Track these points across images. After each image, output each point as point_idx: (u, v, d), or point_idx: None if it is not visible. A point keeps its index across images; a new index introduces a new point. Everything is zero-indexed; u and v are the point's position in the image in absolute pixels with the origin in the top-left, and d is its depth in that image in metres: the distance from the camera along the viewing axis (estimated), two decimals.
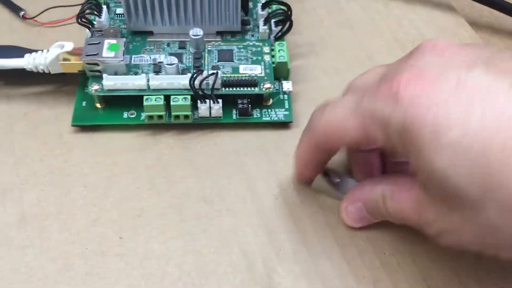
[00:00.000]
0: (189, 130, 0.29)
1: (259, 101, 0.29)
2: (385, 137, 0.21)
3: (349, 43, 0.34)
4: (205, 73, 0.27)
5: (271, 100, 0.29)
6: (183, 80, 0.28)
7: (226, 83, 0.28)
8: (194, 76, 0.27)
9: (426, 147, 0.19)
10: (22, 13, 0.33)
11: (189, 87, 0.27)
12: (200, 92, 0.27)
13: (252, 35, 0.31)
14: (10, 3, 0.34)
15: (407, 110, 0.19)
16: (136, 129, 0.29)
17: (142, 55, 0.29)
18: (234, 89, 0.28)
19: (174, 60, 0.28)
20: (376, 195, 0.24)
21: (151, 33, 0.30)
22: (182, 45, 0.30)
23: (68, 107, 0.29)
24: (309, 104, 0.30)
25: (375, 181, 0.25)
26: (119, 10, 0.31)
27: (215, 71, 0.27)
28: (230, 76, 0.28)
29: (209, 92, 0.27)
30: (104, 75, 0.27)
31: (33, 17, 0.33)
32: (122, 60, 0.27)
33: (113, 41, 0.28)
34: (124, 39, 0.28)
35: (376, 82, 0.21)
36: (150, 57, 0.29)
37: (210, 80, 0.27)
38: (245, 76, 0.29)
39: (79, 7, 0.32)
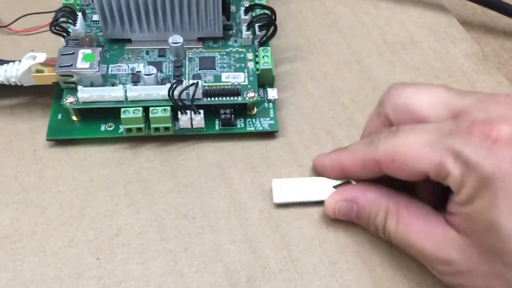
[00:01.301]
0: (170, 142, 0.28)
1: (243, 110, 0.28)
2: (461, 177, 0.20)
3: (337, 46, 0.32)
4: (184, 83, 0.26)
5: (255, 109, 0.28)
6: (162, 91, 0.26)
7: (207, 93, 0.27)
8: (173, 86, 0.26)
9: (504, 204, 0.19)
10: None
11: (166, 97, 0.26)
12: (180, 103, 0.26)
13: (235, 41, 0.30)
14: None
15: (501, 165, 0.19)
16: (114, 142, 0.28)
17: (120, 64, 0.28)
18: (216, 98, 0.27)
19: (153, 70, 0.27)
20: (378, 208, 0.23)
21: (129, 40, 0.29)
22: (161, 53, 0.29)
23: (43, 120, 0.28)
24: (295, 111, 0.29)
25: (382, 191, 0.24)
26: (96, 17, 0.30)
27: (195, 81, 0.26)
28: (212, 85, 0.27)
29: (190, 103, 0.26)
30: (79, 87, 0.26)
31: (7, 25, 0.32)
32: (97, 71, 0.26)
33: (88, 51, 0.27)
34: (100, 49, 0.27)
35: (463, 121, 0.21)
36: (128, 66, 0.28)
37: (191, 90, 0.26)
38: (228, 85, 0.27)
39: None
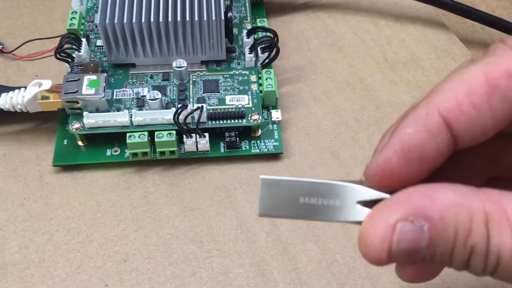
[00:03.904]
0: (176, 166, 0.28)
1: (247, 132, 0.28)
2: None
3: (339, 65, 0.33)
4: (189, 108, 0.26)
5: (260, 131, 0.28)
6: (167, 115, 0.26)
7: (212, 116, 0.27)
8: (178, 111, 0.26)
9: None
10: (0, 47, 0.32)
11: (173, 122, 0.26)
12: (185, 127, 0.26)
13: (238, 63, 0.30)
14: None
15: None
16: (120, 166, 0.28)
17: (125, 89, 0.28)
18: (221, 122, 0.27)
19: (157, 94, 0.27)
20: (469, 216, 0.14)
21: (133, 65, 0.29)
22: (165, 77, 0.29)
23: (49, 145, 0.28)
24: (299, 132, 0.30)
25: (461, 189, 0.14)
26: (100, 42, 0.30)
27: (200, 105, 0.26)
28: (216, 109, 0.27)
29: (195, 127, 0.26)
30: (85, 113, 0.26)
31: (11, 51, 0.32)
32: (103, 97, 0.26)
33: (93, 77, 0.27)
34: (105, 74, 0.27)
35: None
36: (133, 91, 0.28)
37: (196, 114, 0.26)
38: (232, 108, 0.28)
39: (58, 39, 0.31)
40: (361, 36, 0.34)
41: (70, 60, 0.29)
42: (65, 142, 0.28)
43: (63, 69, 0.31)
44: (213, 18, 0.27)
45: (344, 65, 0.33)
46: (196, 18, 0.27)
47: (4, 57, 0.32)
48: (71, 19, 0.31)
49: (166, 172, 0.28)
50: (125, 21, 0.27)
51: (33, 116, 0.28)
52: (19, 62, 0.32)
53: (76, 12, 0.31)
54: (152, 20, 0.27)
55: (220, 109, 0.27)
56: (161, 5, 0.28)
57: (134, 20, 0.27)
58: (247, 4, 0.33)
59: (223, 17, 0.27)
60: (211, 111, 0.27)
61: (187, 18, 0.27)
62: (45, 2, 0.35)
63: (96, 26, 0.31)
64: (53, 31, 0.33)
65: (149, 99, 0.27)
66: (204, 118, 0.27)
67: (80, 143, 0.28)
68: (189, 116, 0.26)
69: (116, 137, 0.27)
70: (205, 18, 0.27)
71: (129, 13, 0.28)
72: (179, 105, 0.26)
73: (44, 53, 0.32)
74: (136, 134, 0.26)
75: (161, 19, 0.27)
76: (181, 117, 0.26)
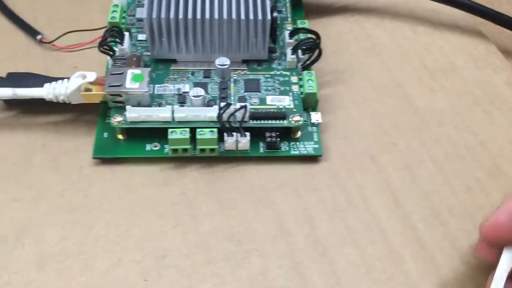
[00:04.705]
0: (214, 163, 0.28)
1: (286, 133, 0.28)
2: None
3: (377, 70, 0.33)
4: (233, 107, 0.26)
5: (299, 133, 0.28)
6: (210, 113, 0.26)
7: (253, 116, 0.27)
8: (222, 109, 0.26)
9: None
10: (39, 37, 0.32)
11: (215, 120, 0.26)
12: (228, 126, 0.26)
13: (279, 64, 0.30)
14: (27, 26, 0.33)
15: None
16: (159, 161, 0.28)
17: (166, 84, 0.28)
18: (262, 121, 0.27)
19: (201, 91, 0.27)
20: None
21: (174, 61, 0.29)
22: (207, 74, 0.29)
23: (87, 138, 0.28)
24: (338, 136, 0.29)
25: None
26: (141, 37, 0.30)
27: (243, 104, 0.26)
28: (258, 108, 0.27)
29: (237, 125, 0.26)
30: (128, 107, 0.26)
31: (51, 41, 0.32)
32: (147, 92, 0.26)
33: (137, 71, 0.27)
34: (149, 69, 0.27)
35: None
36: (174, 87, 0.28)
37: (239, 113, 0.26)
38: (273, 108, 0.27)
39: (97, 32, 0.31)
40: (399, 41, 0.34)
41: (111, 53, 0.29)
42: (105, 135, 0.28)
43: (102, 61, 0.31)
44: (260, 17, 0.27)
45: (382, 70, 0.33)
46: (243, 17, 0.27)
47: (43, 47, 0.32)
48: (112, 12, 0.31)
49: (204, 169, 0.28)
50: (171, 16, 0.27)
51: (73, 108, 0.28)
52: (58, 53, 0.32)
53: (117, 5, 0.31)
54: (198, 16, 0.27)
55: (262, 109, 0.27)
56: (207, 2, 0.28)
57: (181, 16, 0.27)
58: (288, 5, 0.33)
59: (269, 17, 0.27)
60: (252, 110, 0.27)
61: (233, 16, 0.27)
62: None
63: (138, 20, 0.31)
64: (91, 23, 0.33)
65: (192, 96, 0.27)
66: (246, 117, 0.27)
67: (120, 136, 0.28)
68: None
69: (156, 132, 0.27)
70: (251, 17, 0.27)
71: (176, 9, 0.28)
72: (223, 104, 0.26)
73: (84, 45, 0.32)
74: (178, 130, 0.26)
75: (207, 16, 0.27)
76: (225, 115, 0.26)
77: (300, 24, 0.31)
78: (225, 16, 0.27)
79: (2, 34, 0.33)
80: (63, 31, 0.32)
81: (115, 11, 0.31)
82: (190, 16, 0.27)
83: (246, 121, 0.27)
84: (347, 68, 0.33)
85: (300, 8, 0.34)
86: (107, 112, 0.28)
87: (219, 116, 0.26)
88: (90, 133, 0.28)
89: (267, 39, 0.28)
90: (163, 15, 0.27)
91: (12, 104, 0.29)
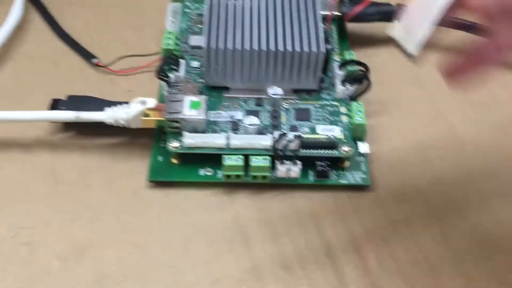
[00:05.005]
0: (265, 190, 0.29)
1: (334, 162, 0.29)
2: None
3: (422, 101, 0.33)
4: (288, 136, 0.27)
5: (347, 162, 0.29)
6: (264, 141, 0.27)
7: (305, 145, 0.28)
8: (278, 139, 0.26)
9: None
10: (95, 60, 0.33)
11: (268, 148, 0.27)
12: (282, 154, 0.27)
13: (328, 94, 0.31)
14: (83, 50, 0.34)
15: None
16: (211, 186, 0.28)
17: (219, 111, 0.29)
18: (313, 150, 0.28)
19: (256, 120, 0.28)
20: None
21: (227, 88, 0.30)
22: (259, 102, 0.30)
23: (142, 160, 0.29)
24: (384, 166, 0.30)
25: None
26: (194, 64, 0.32)
27: (298, 135, 0.27)
28: (309, 138, 0.28)
29: (290, 154, 0.27)
30: (185, 133, 0.27)
31: (106, 65, 0.33)
32: (204, 119, 0.27)
33: (195, 99, 0.28)
34: (205, 97, 0.28)
35: None
36: (227, 114, 0.29)
37: (293, 142, 0.27)
38: (324, 138, 0.28)
39: (150, 57, 0.33)
40: None
41: (167, 79, 0.30)
42: (160, 158, 0.29)
43: (154, 85, 0.32)
44: (314, 50, 0.28)
45: (427, 101, 0.33)
46: (298, 49, 0.28)
47: (98, 71, 0.34)
48: (167, 39, 0.32)
49: (255, 195, 0.28)
50: (229, 46, 0.28)
51: (127, 131, 0.29)
52: (113, 76, 0.33)
53: (171, 33, 0.32)
54: (254, 47, 0.28)
55: (313, 138, 0.28)
56: (263, 34, 0.29)
57: (238, 47, 0.28)
58: (335, 36, 0.34)
59: (324, 50, 0.28)
60: (304, 140, 0.28)
61: (289, 48, 0.28)
62: (138, 20, 0.37)
63: (192, 47, 0.32)
64: (145, 48, 0.34)
65: (247, 124, 0.27)
66: (299, 147, 0.27)
67: (174, 161, 0.29)
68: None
69: (209, 158, 0.28)
70: (305, 49, 0.28)
71: (233, 39, 0.29)
72: (278, 133, 0.27)
73: (137, 69, 0.33)
74: (233, 157, 0.27)
75: (263, 47, 0.28)
76: (280, 144, 0.27)
77: (347, 55, 0.32)
78: (280, 47, 0.28)
79: (60, 57, 0.35)
80: (118, 56, 0.34)
81: (169, 38, 0.32)
82: (247, 47, 0.28)
83: (297, 150, 0.27)
84: (391, 98, 0.33)
85: (345, 39, 0.35)
86: (161, 136, 0.29)
87: (274, 144, 0.26)
88: (144, 156, 0.29)
89: (320, 71, 0.29)
90: (221, 45, 0.28)
91: (69, 125, 0.30)
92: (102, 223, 0.27)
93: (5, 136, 0.30)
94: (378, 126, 0.32)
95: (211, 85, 0.30)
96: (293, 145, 0.27)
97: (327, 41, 0.29)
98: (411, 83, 0.34)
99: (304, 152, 0.28)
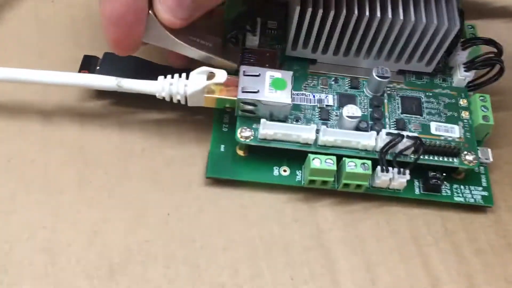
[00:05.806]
0: (353, 200, 0.22)
1: (448, 172, 0.22)
2: None
3: None
4: (406, 142, 0.20)
5: (463, 173, 0.22)
6: (365, 140, 0.21)
7: (421, 149, 0.21)
8: (391, 143, 0.20)
9: None
10: None
11: (370, 149, 0.21)
12: (391, 160, 0.20)
13: (443, 79, 0.24)
14: None
15: None
16: (286, 190, 0.22)
17: (304, 92, 0.22)
18: (426, 157, 0.21)
19: (358, 112, 0.21)
20: None
21: (313, 61, 0.23)
22: (355, 84, 0.23)
23: (197, 147, 0.23)
24: (508, 180, 0.23)
25: None
26: (271, 25, 0.24)
27: (416, 137, 0.20)
28: (429, 142, 0.21)
29: (403, 161, 0.20)
30: (262, 121, 0.20)
31: None
32: (290, 105, 0.20)
33: (277, 74, 0.21)
34: (291, 73, 0.21)
35: None
36: (314, 97, 0.22)
37: (411, 149, 0.20)
38: (442, 141, 0.21)
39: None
40: None
41: (237, 43, 0.23)
42: (222, 148, 0.22)
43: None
44: (445, 23, 0.21)
45: None
46: (424, 20, 0.21)
47: None
48: None
49: (341, 207, 0.22)
50: (332, 9, 0.21)
51: (179, 106, 0.22)
52: None
53: None
54: (366, 13, 0.21)
55: (427, 140, 0.21)
56: None
57: (344, 11, 0.21)
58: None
59: (458, 25, 0.20)
60: (424, 144, 0.21)
61: (412, 18, 0.21)
62: None
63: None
64: None
65: (347, 116, 0.21)
66: (418, 154, 0.20)
67: (240, 153, 0.22)
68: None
69: (286, 153, 0.22)
70: (434, 21, 0.21)
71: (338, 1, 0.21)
72: (391, 135, 0.20)
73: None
74: (322, 158, 0.20)
75: (378, 14, 0.21)
76: (395, 149, 0.20)
77: (467, 28, 0.25)
78: (401, 16, 0.21)
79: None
80: None
81: None
82: (355, 11, 0.21)
83: (406, 155, 0.21)
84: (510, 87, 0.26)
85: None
86: (222, 118, 0.23)
87: (385, 148, 0.20)
88: (200, 142, 0.23)
89: (442, 51, 0.22)
90: (321, 5, 0.21)
91: (103, 91, 0.23)
92: (146, 231, 0.20)
93: (19, 99, 0.23)
94: (498, 125, 0.25)
95: (294, 55, 0.23)
96: (409, 151, 0.20)
97: (462, 14, 0.21)
98: None
99: (414, 158, 0.21)
